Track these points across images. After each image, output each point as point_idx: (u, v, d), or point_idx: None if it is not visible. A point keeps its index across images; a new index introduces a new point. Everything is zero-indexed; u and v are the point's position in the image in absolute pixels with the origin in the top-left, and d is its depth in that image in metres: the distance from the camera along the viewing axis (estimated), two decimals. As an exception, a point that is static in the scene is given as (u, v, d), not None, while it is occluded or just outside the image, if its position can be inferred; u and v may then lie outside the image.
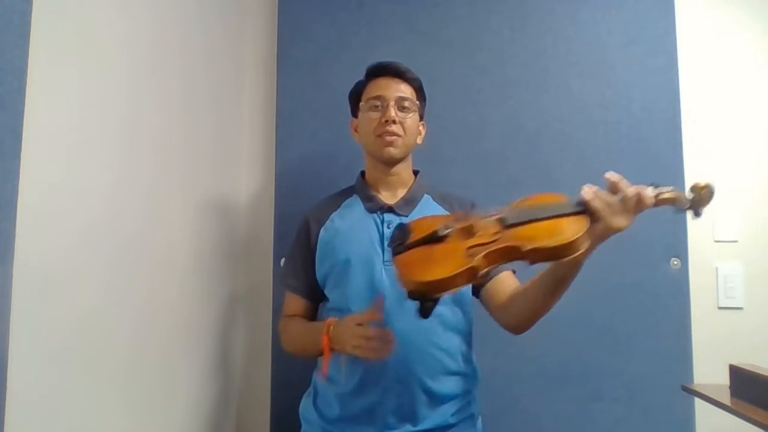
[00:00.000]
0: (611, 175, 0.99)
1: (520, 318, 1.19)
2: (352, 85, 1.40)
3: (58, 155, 0.87)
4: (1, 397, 0.71)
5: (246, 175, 1.79)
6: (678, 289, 1.60)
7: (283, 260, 1.66)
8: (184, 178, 1.35)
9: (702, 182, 1.02)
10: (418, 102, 1.32)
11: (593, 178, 1.62)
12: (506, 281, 1.24)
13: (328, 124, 1.72)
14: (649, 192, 0.98)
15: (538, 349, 1.59)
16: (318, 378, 1.30)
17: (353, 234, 1.28)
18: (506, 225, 0.96)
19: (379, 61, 1.35)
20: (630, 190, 0.97)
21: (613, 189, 0.98)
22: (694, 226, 1.64)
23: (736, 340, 1.63)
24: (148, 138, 1.17)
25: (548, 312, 1.15)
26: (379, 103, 1.29)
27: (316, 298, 1.35)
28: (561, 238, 0.91)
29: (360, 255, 1.24)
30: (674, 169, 1.63)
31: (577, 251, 0.93)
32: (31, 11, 0.77)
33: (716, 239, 1.68)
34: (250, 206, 1.78)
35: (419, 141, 1.35)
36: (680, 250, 1.61)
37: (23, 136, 0.76)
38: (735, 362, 1.02)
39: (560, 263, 1.01)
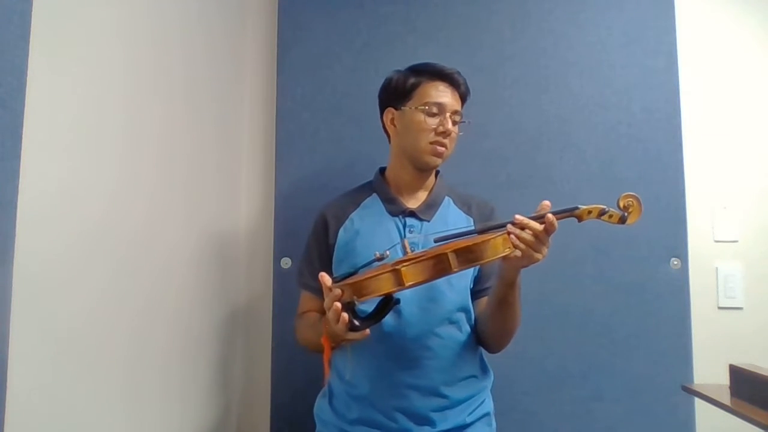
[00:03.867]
0: (521, 218, 1.02)
1: (485, 340, 1.26)
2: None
3: (58, 155, 0.87)
4: (1, 397, 0.71)
5: (246, 174, 1.79)
6: (678, 289, 1.60)
7: (284, 259, 1.67)
8: (184, 179, 1.35)
9: (631, 194, 1.04)
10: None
11: (593, 178, 1.64)
12: (481, 305, 1.27)
13: (328, 124, 1.72)
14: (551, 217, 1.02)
15: (538, 349, 1.60)
16: (333, 379, 1.29)
17: (375, 237, 1.25)
18: (438, 242, 1.09)
19: (441, 64, 1.29)
20: (536, 226, 1.01)
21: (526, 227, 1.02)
22: (694, 226, 1.64)
23: (736, 340, 1.63)
24: (149, 138, 1.17)
25: (506, 334, 1.22)
26: (437, 110, 1.24)
27: None
28: (479, 239, 1.01)
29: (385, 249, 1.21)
30: (674, 169, 1.63)
31: (497, 252, 1.01)
32: (31, 11, 0.77)
33: (716, 239, 1.68)
34: (251, 206, 1.78)
35: None
36: (680, 250, 1.61)
37: (23, 136, 0.76)
38: (735, 362, 1.02)
39: (503, 289, 1.12)
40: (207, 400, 1.50)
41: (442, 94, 1.25)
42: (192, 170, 1.40)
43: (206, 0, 1.50)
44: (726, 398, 0.97)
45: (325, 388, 1.31)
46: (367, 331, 1.03)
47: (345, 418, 1.24)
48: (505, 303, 1.15)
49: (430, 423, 1.19)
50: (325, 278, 1.04)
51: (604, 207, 1.05)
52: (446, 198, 1.33)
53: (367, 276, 1.00)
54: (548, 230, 1.01)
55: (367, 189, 1.35)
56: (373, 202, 1.32)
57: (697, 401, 1.49)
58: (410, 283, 0.98)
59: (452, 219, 1.29)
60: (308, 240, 1.36)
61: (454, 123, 1.25)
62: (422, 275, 0.99)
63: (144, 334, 1.14)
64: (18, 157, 0.75)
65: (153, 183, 1.19)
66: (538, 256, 1.02)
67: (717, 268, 1.67)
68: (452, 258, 0.98)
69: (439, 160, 1.26)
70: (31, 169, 0.78)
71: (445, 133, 1.23)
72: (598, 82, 1.67)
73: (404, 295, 1.14)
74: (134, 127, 1.11)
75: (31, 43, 0.77)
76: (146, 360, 1.15)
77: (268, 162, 1.77)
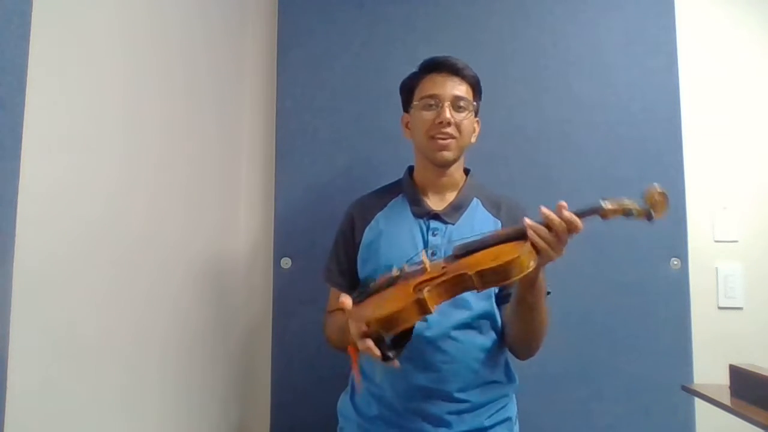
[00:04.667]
0: (546, 211, 1.00)
1: (511, 345, 1.25)
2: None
3: (58, 155, 0.87)
4: (1, 397, 0.71)
5: (246, 174, 1.79)
6: (678, 289, 1.60)
7: (284, 259, 1.67)
8: (184, 179, 1.35)
9: (656, 188, 1.00)
10: (474, 101, 1.26)
11: (593, 178, 1.64)
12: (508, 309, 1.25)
13: (328, 124, 1.71)
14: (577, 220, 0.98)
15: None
16: (354, 376, 1.28)
17: (398, 240, 1.24)
18: (453, 257, 1.04)
19: (435, 55, 1.28)
20: (559, 224, 0.98)
21: (548, 225, 0.99)
22: (694, 226, 1.64)
23: (736, 340, 1.63)
24: (149, 137, 1.17)
25: (530, 338, 1.20)
26: (433, 102, 1.22)
27: None
28: (503, 258, 0.96)
29: (403, 263, 1.20)
30: (674, 169, 1.63)
31: (523, 270, 0.96)
32: (31, 11, 0.77)
33: (716, 239, 1.68)
34: (251, 206, 1.78)
35: (473, 140, 1.30)
36: (680, 250, 1.61)
37: (23, 136, 0.76)
38: (735, 362, 1.02)
39: (522, 289, 1.09)
40: (207, 400, 1.50)
41: (437, 85, 1.23)
42: (192, 170, 1.40)
43: (206, 0, 1.50)
44: (726, 398, 0.98)
45: (348, 386, 1.32)
46: (397, 362, 1.00)
47: (365, 416, 1.24)
48: (524, 304, 1.12)
49: (446, 425, 1.18)
50: (346, 302, 1.03)
51: (629, 203, 1.00)
52: (474, 199, 1.29)
53: (392, 310, 0.96)
54: (571, 230, 0.98)
55: (395, 188, 1.34)
56: (400, 202, 1.30)
57: (697, 401, 1.49)
58: (435, 307, 0.96)
59: (479, 222, 1.25)
60: (336, 236, 1.36)
61: (458, 109, 1.22)
62: (445, 295, 0.97)
63: (144, 334, 1.14)
64: (18, 157, 0.75)
65: (153, 183, 1.19)
66: (555, 255, 0.99)
67: (717, 268, 1.67)
68: (476, 279, 0.96)
69: (447, 153, 1.23)
70: (31, 169, 0.78)
71: (442, 123, 1.21)
72: (598, 82, 1.67)
73: None
74: (134, 127, 1.10)
75: (31, 43, 0.77)
76: (146, 360, 1.15)
77: (268, 162, 1.77)
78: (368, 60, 1.72)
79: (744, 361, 1.02)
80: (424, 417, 1.18)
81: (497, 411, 1.24)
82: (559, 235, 0.97)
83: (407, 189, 1.31)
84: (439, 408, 1.18)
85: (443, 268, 1.03)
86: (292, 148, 1.72)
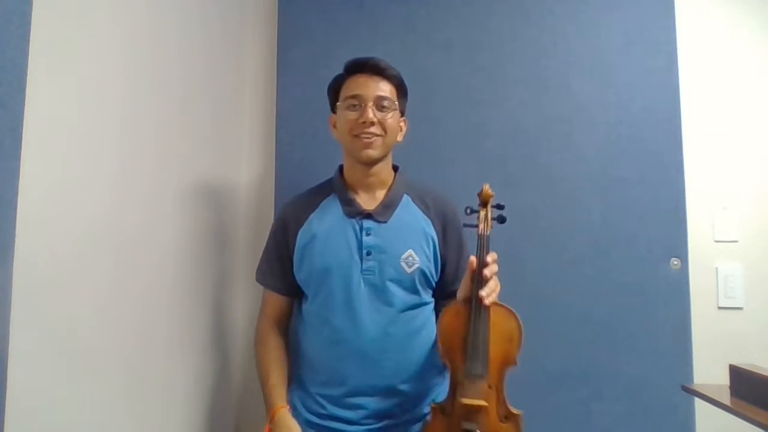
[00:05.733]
0: (484, 273, 1.11)
1: None
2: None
3: (58, 155, 0.87)
4: (1, 397, 0.71)
5: (246, 175, 1.79)
6: (678, 289, 1.60)
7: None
8: (183, 178, 1.35)
9: (484, 187, 1.20)
10: (397, 100, 1.28)
11: (593, 178, 1.64)
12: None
13: (328, 124, 1.71)
14: (489, 259, 1.13)
15: (538, 349, 1.59)
16: (305, 375, 1.33)
17: (332, 241, 1.25)
18: (484, 376, 1.11)
19: (357, 57, 1.30)
20: (488, 273, 1.12)
21: (491, 275, 1.12)
22: (694, 226, 1.64)
23: (736, 340, 1.63)
24: (148, 137, 1.17)
25: None
26: (357, 102, 1.24)
27: (294, 293, 1.34)
28: (512, 330, 1.13)
29: (338, 264, 1.23)
30: (674, 169, 1.63)
31: (517, 315, 1.13)
32: (31, 11, 0.77)
33: (716, 239, 1.68)
34: (250, 206, 1.78)
35: (400, 138, 1.32)
36: (680, 250, 1.61)
37: (23, 136, 0.76)
38: (735, 362, 1.02)
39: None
40: (207, 399, 1.50)
41: (360, 86, 1.26)
42: (191, 170, 1.40)
43: (206, 0, 1.50)
44: (726, 398, 0.97)
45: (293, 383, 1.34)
46: None
47: (316, 413, 1.26)
48: None
49: (390, 417, 1.22)
50: None
51: (484, 212, 1.17)
52: (405, 196, 1.31)
53: None
54: (494, 264, 1.12)
55: (327, 188, 1.35)
56: (332, 202, 1.31)
57: (697, 401, 1.49)
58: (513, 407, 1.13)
59: (412, 217, 1.29)
60: (268, 239, 1.37)
61: (381, 108, 1.24)
62: (504, 388, 1.14)
63: (144, 333, 1.14)
64: (18, 157, 0.75)
65: (152, 182, 1.19)
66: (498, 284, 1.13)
67: (717, 268, 1.67)
68: (516, 361, 1.12)
69: (371, 151, 1.25)
70: (31, 169, 0.78)
71: (365, 123, 1.23)
72: (598, 82, 1.67)
73: (363, 300, 1.21)
74: (133, 126, 1.11)
75: (31, 43, 0.77)
76: (146, 359, 1.15)
77: (267, 162, 1.77)
78: (368, 60, 1.72)
79: (744, 361, 1.02)
80: (368, 410, 1.22)
81: (438, 396, 1.26)
82: (496, 274, 1.12)
83: (338, 189, 1.32)
84: (384, 404, 1.21)
85: (489, 387, 1.11)
86: (292, 148, 1.72)
